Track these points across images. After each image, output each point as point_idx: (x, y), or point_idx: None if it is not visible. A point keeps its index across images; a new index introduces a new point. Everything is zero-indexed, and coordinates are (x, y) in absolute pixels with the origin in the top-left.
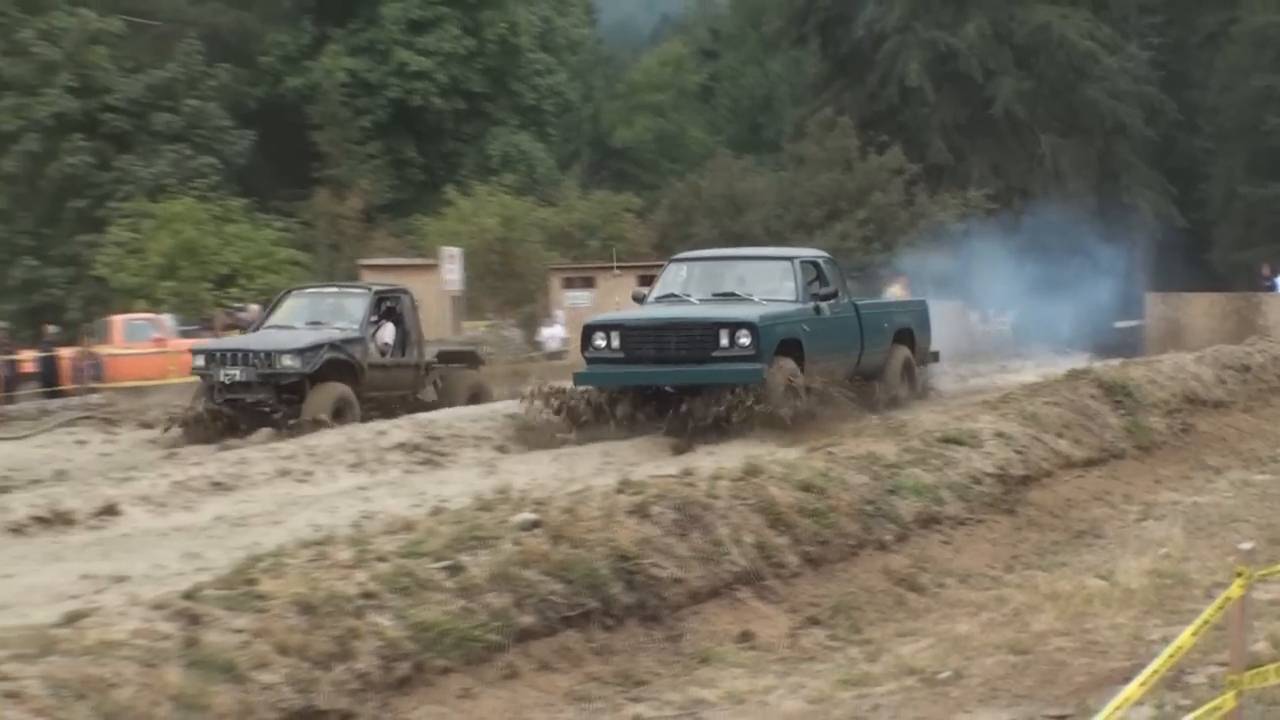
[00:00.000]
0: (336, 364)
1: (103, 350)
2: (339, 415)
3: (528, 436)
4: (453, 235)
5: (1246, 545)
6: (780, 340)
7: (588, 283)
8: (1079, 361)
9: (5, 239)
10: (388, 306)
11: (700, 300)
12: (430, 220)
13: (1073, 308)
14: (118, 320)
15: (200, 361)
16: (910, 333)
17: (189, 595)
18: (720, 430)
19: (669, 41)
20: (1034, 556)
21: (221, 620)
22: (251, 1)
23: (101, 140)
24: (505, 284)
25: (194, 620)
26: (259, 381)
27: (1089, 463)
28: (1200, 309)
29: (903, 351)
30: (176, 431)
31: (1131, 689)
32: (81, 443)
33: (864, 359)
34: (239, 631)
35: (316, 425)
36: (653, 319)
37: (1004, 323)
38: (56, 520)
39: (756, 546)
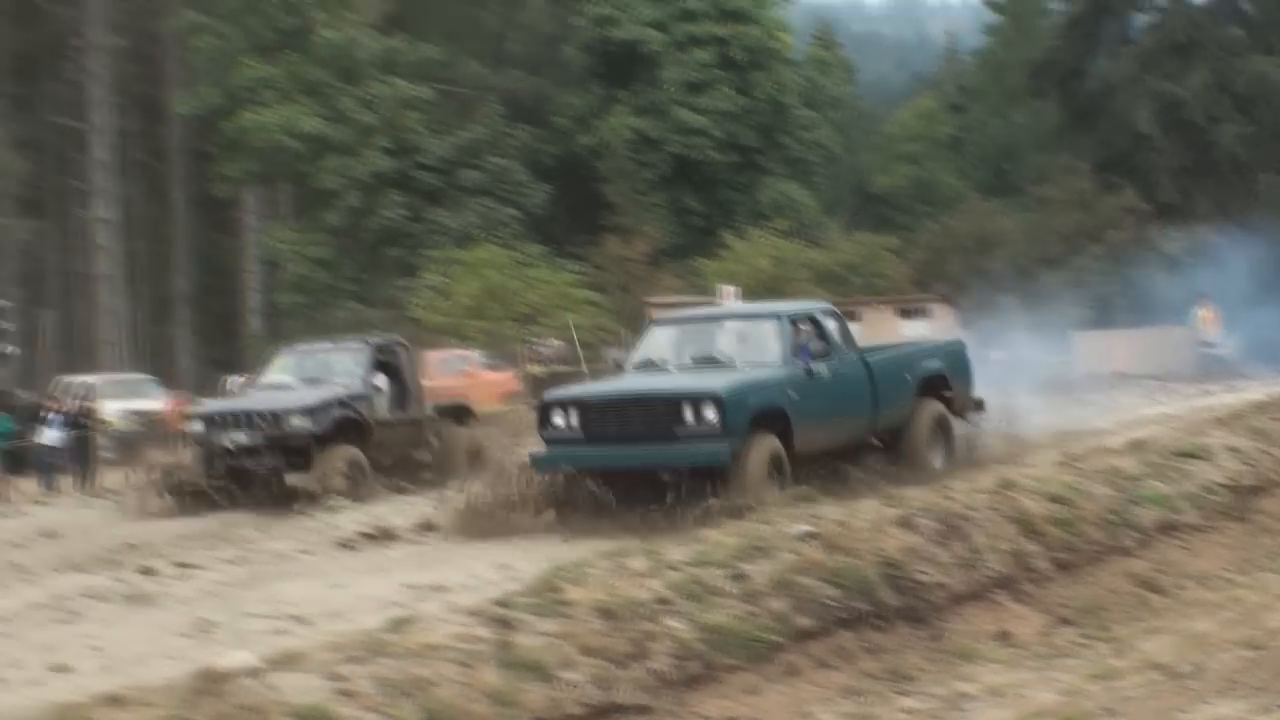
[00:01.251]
0: (346, 423)
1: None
2: (352, 480)
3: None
4: (730, 275)
5: None
6: (755, 412)
7: (851, 315)
8: None
9: (331, 284)
10: (383, 361)
11: (677, 368)
12: (709, 262)
13: None
14: (432, 356)
15: (199, 427)
16: (942, 379)
17: (501, 603)
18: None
19: (921, 97)
20: (1265, 560)
21: (531, 624)
22: (545, 68)
23: (414, 195)
24: None
25: (506, 625)
26: (266, 445)
27: None
28: None
29: (932, 407)
30: (168, 501)
31: None
32: None
33: (880, 420)
34: (546, 635)
35: (326, 494)
36: (611, 394)
37: (1227, 347)
38: (381, 536)
39: (1011, 553)
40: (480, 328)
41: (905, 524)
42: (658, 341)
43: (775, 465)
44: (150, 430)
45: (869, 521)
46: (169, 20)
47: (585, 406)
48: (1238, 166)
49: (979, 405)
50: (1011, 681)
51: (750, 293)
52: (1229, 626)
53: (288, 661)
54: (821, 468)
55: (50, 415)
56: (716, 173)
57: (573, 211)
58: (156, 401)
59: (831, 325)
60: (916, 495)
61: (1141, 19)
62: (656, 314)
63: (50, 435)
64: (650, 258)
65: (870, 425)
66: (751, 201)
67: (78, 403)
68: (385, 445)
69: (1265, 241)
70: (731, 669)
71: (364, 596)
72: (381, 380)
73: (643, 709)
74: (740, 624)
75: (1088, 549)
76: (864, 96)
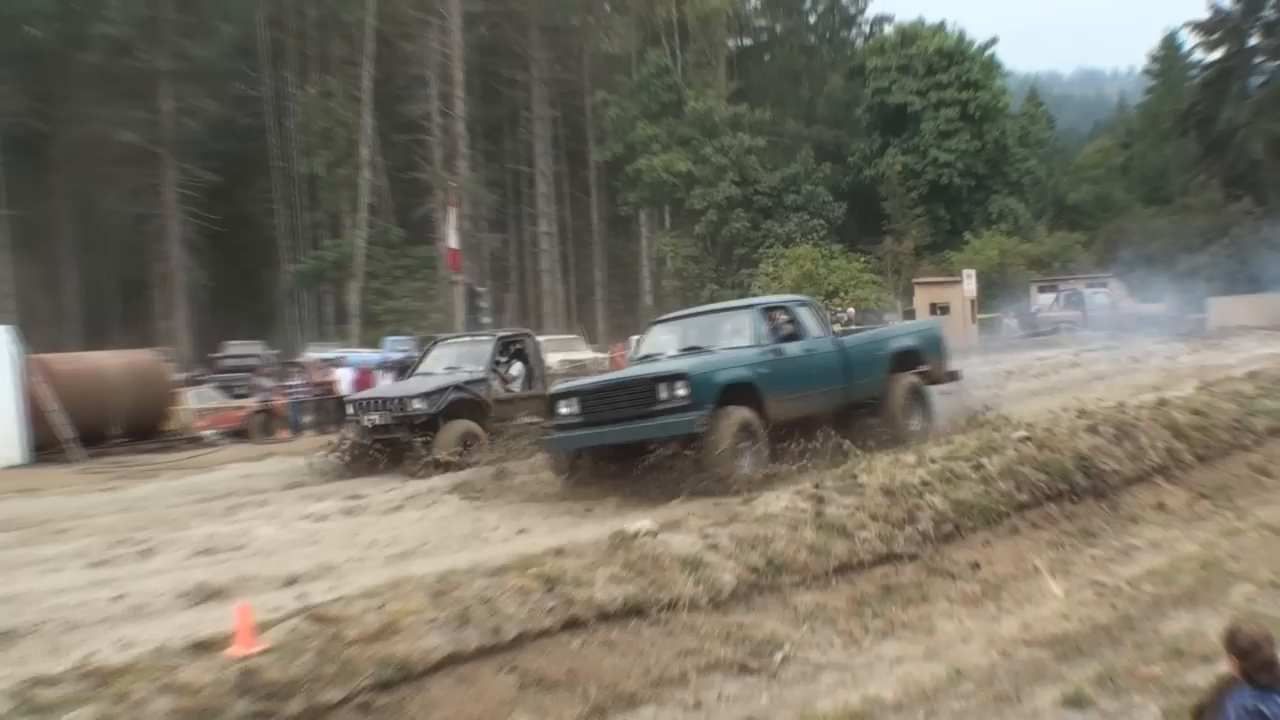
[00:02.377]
0: (464, 402)
1: None
2: (466, 446)
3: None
4: (969, 262)
5: None
6: (723, 387)
7: (1052, 288)
8: None
9: (698, 273)
10: (516, 348)
11: (667, 357)
12: (955, 254)
13: None
14: None
15: (350, 409)
16: (915, 355)
17: (816, 485)
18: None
19: (1100, 138)
20: None
21: (836, 500)
22: (843, 123)
23: (754, 212)
24: (1002, 291)
25: (820, 500)
26: (395, 423)
27: None
28: None
29: (906, 378)
30: (336, 460)
31: None
32: None
33: (853, 391)
34: (846, 507)
35: (447, 461)
36: (602, 381)
37: None
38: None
39: (1165, 449)
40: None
41: (1092, 430)
42: (655, 338)
43: (747, 431)
44: (579, 371)
45: (1067, 429)
46: (587, 98)
47: (583, 394)
48: None
49: (953, 376)
50: (1166, 537)
51: (983, 274)
52: None
53: (673, 525)
54: (813, 431)
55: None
56: (959, 192)
57: (861, 221)
58: (583, 353)
59: (805, 313)
60: (963, 439)
61: (1257, 79)
62: (918, 290)
63: (516, 369)
64: (914, 251)
65: (845, 394)
66: (983, 212)
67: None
68: (509, 417)
69: None
70: (973, 530)
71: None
72: (517, 367)
73: (912, 557)
74: (979, 499)
75: (1218, 445)
76: (1060, 138)
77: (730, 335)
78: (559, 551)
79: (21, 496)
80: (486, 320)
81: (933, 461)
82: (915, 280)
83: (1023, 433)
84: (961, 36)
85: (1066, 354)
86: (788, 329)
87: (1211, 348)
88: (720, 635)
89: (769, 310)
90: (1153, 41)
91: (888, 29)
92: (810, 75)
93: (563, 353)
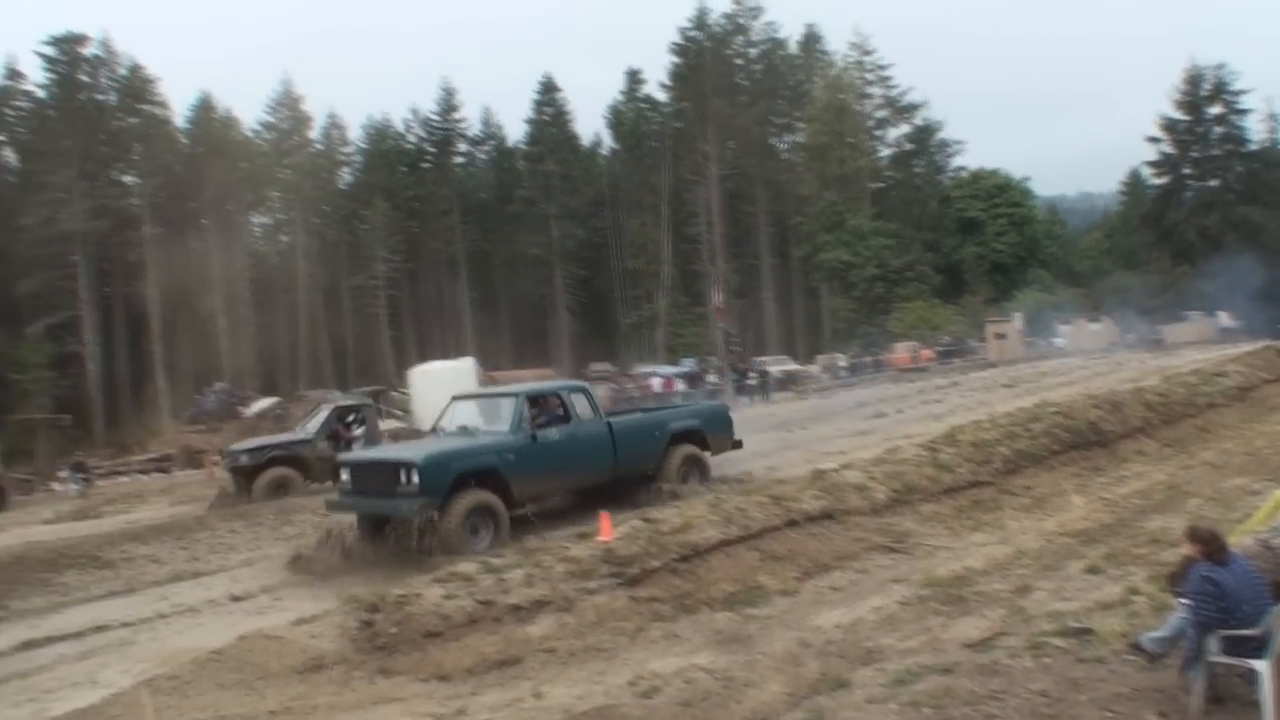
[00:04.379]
0: (283, 459)
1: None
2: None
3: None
4: (1017, 308)
5: None
6: (459, 475)
7: (1067, 322)
8: None
9: (855, 319)
10: (357, 415)
11: (442, 433)
12: (1008, 303)
13: None
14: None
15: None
16: (697, 432)
17: (932, 440)
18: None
19: (1094, 232)
20: (1256, 419)
21: (943, 449)
22: (938, 228)
23: (887, 284)
24: (1038, 325)
25: (934, 450)
26: (234, 469)
27: None
28: None
29: (683, 451)
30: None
31: None
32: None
33: (621, 466)
34: (950, 452)
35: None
36: (362, 458)
37: None
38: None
39: (1142, 417)
40: (919, 333)
41: (1096, 406)
42: (452, 411)
43: (485, 512)
44: (789, 377)
45: (1081, 405)
46: (790, 220)
47: (354, 466)
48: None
49: (736, 445)
50: (1144, 470)
51: (1027, 315)
52: (1240, 445)
53: (846, 466)
54: (611, 492)
55: (746, 370)
56: (1009, 267)
57: (951, 285)
58: (793, 365)
59: (576, 399)
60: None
61: (1189, 194)
62: (988, 324)
63: (750, 378)
64: (984, 302)
65: (610, 470)
66: (1024, 278)
67: (758, 364)
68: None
69: None
70: (1025, 466)
71: None
72: (359, 430)
73: (989, 483)
74: (1030, 447)
75: (1175, 414)
76: (1069, 233)
77: (493, 419)
78: (781, 481)
79: None
80: (736, 348)
81: (1000, 425)
82: (986, 320)
83: (1054, 409)
84: (1009, 176)
85: (1076, 361)
86: (558, 413)
87: (1167, 356)
88: (876, 530)
89: (538, 397)
90: (1124, 173)
91: (964, 172)
92: (918, 202)
93: (780, 365)
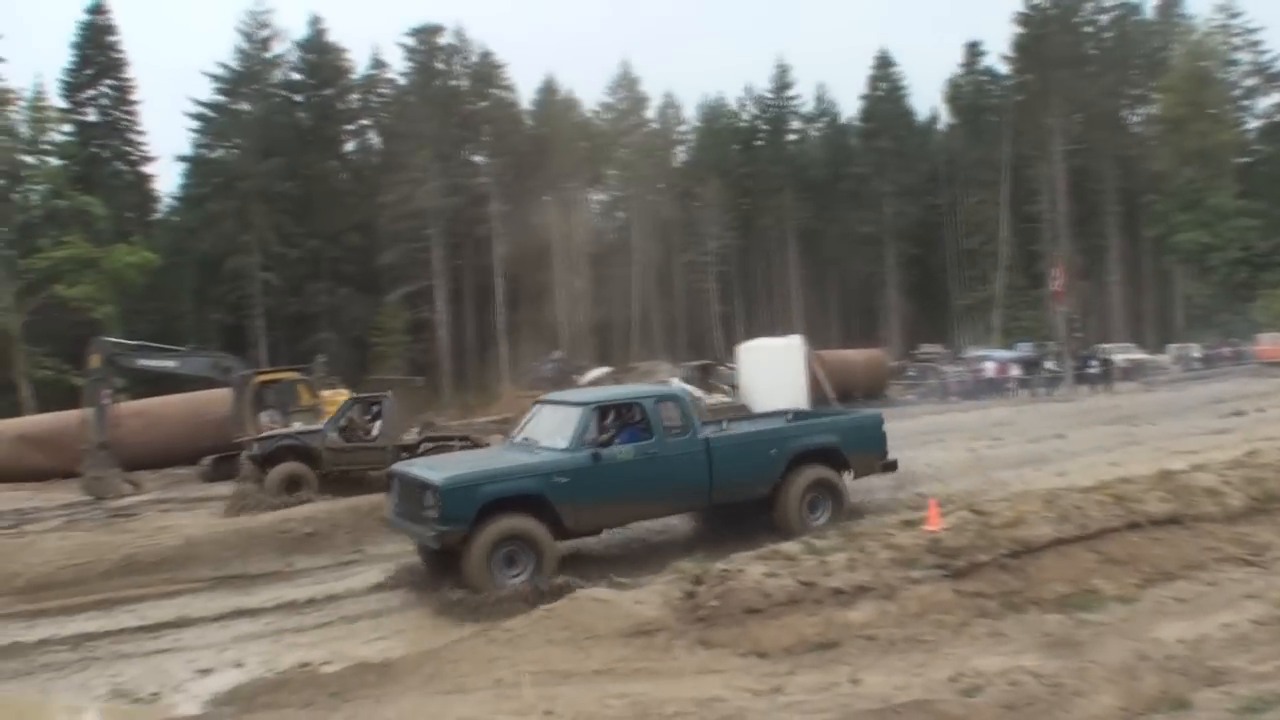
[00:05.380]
0: (292, 450)
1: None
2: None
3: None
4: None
5: None
6: (484, 502)
7: None
8: None
9: (1212, 306)
10: (375, 408)
11: (511, 446)
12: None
13: None
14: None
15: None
16: (833, 451)
17: (1199, 464)
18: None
19: None
20: None
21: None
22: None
23: (1252, 268)
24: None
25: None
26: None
27: None
28: None
29: (809, 474)
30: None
31: None
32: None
33: (720, 492)
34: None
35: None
36: (403, 472)
37: None
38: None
39: None
40: None
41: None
42: (531, 419)
43: (519, 541)
44: (1135, 366)
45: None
46: (1141, 198)
47: (399, 479)
48: None
49: (889, 466)
50: None
51: None
52: None
53: (1198, 468)
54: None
55: (1087, 358)
56: None
57: None
58: (1140, 354)
59: (663, 409)
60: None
61: None
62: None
63: (1092, 366)
64: None
65: (706, 497)
66: None
67: (1101, 351)
68: (341, 465)
69: None
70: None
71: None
72: (378, 426)
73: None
74: (1204, 501)
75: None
76: None
77: (556, 433)
78: (1124, 480)
79: None
80: (1078, 335)
81: (1240, 468)
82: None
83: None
84: None
85: None
86: (638, 427)
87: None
88: (1230, 539)
89: (612, 408)
90: None
91: None
92: None
93: (1125, 353)
